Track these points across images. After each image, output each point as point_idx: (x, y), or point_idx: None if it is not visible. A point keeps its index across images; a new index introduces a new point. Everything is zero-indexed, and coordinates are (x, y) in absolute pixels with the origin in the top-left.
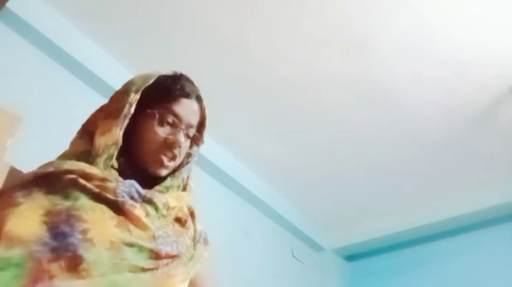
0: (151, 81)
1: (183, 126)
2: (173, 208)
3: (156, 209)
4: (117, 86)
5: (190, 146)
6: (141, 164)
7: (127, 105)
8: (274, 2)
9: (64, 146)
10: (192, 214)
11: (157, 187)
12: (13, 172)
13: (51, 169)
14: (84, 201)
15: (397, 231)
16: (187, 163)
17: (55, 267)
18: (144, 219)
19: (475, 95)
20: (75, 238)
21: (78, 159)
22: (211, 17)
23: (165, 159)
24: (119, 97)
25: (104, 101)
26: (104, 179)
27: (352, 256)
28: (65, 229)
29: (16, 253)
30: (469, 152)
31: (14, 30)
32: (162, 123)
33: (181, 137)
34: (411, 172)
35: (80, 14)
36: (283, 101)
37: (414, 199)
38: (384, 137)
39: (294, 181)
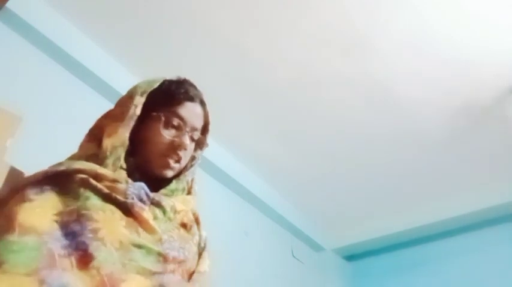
0: (156, 85)
1: (187, 129)
2: (179, 212)
3: (164, 212)
4: (117, 86)
5: (194, 150)
6: (147, 167)
7: (132, 107)
8: (274, 2)
9: (64, 146)
10: (197, 220)
11: (162, 190)
12: (13, 172)
13: (62, 168)
14: (94, 201)
15: (397, 231)
16: (191, 166)
17: (66, 262)
18: (152, 222)
19: (475, 95)
20: (86, 237)
21: (87, 161)
22: (211, 17)
23: (170, 161)
24: (125, 101)
25: (104, 101)
26: (114, 180)
27: (352, 256)
28: (76, 228)
29: (31, 239)
30: (469, 152)
31: (14, 30)
32: (167, 126)
33: (186, 140)
34: (411, 172)
35: (80, 14)
36: (283, 101)
37: (414, 199)
38: (384, 137)
39: (294, 181)
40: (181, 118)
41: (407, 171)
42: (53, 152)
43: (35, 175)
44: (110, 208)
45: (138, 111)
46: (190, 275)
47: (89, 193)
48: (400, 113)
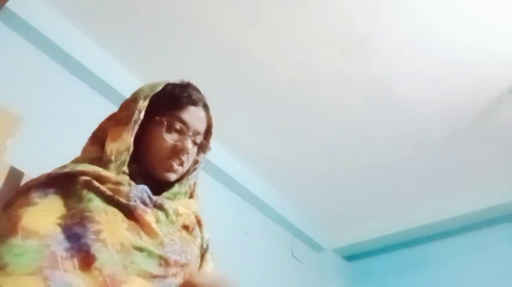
0: (159, 88)
1: (190, 133)
2: (181, 215)
3: (167, 215)
4: (117, 86)
5: (197, 153)
6: (150, 170)
7: (136, 112)
8: (274, 2)
9: (64, 146)
10: (199, 222)
11: (165, 194)
12: (13, 172)
13: (66, 170)
14: (97, 203)
15: (397, 231)
16: (194, 169)
17: (69, 264)
18: (154, 225)
19: (475, 95)
20: (88, 238)
21: (91, 164)
22: (211, 17)
23: (174, 164)
24: (128, 105)
25: (104, 101)
26: (117, 183)
27: (352, 256)
28: (78, 230)
29: (33, 242)
30: (469, 152)
31: (14, 30)
32: (170, 130)
33: (189, 144)
34: (411, 172)
35: (80, 14)
36: (283, 101)
37: (414, 199)
38: (384, 137)
39: (294, 181)
40: (183, 122)
41: (407, 171)
42: (53, 152)
43: (39, 178)
44: (112, 210)
45: (142, 115)
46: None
47: (91, 195)
48: (400, 113)
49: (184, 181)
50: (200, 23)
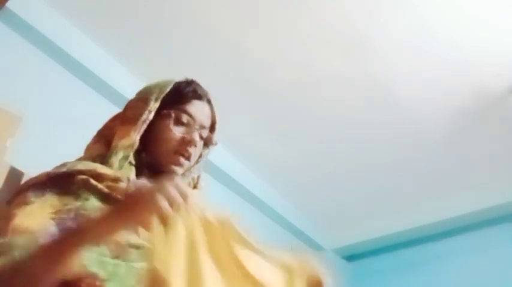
0: (169, 89)
1: (197, 127)
2: None
3: None
4: (117, 86)
5: (202, 147)
6: (156, 163)
7: (146, 112)
8: (274, 2)
9: (64, 146)
10: None
11: None
12: (13, 172)
13: (64, 170)
14: (93, 202)
15: (397, 231)
16: (197, 163)
17: None
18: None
19: (475, 95)
20: None
21: (94, 161)
22: (211, 17)
23: (181, 158)
24: (135, 104)
25: (104, 101)
26: (115, 179)
27: (352, 256)
28: (72, 226)
29: (21, 239)
30: (469, 152)
31: (14, 30)
32: (177, 123)
33: (196, 137)
34: (411, 172)
35: (80, 14)
36: (283, 101)
37: (414, 199)
38: (384, 137)
39: (294, 181)
40: (190, 115)
41: (407, 171)
42: (53, 152)
43: (38, 177)
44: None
45: (152, 116)
46: None
47: (88, 194)
48: (400, 113)
49: (187, 173)
50: (200, 23)
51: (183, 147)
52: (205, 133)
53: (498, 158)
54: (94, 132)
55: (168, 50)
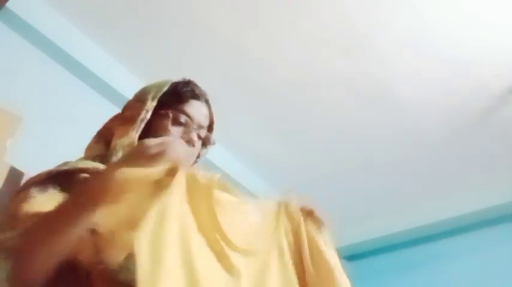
0: (166, 89)
1: (195, 127)
2: None
3: None
4: (117, 86)
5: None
6: None
7: (143, 112)
8: (274, 2)
9: (64, 146)
10: None
11: None
12: (13, 172)
13: (65, 168)
14: None
15: (397, 231)
16: (196, 162)
17: None
18: None
19: (475, 95)
20: None
21: (94, 161)
22: (211, 17)
23: None
24: (134, 105)
25: (104, 101)
26: None
27: (352, 256)
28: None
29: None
30: (469, 152)
31: (14, 30)
32: (175, 123)
33: (194, 136)
34: (411, 172)
35: (80, 14)
36: (283, 101)
37: (414, 199)
38: (384, 137)
39: (294, 180)
40: (188, 115)
41: (407, 171)
42: (53, 152)
43: (39, 175)
44: None
45: (149, 115)
46: None
47: None
48: (400, 113)
49: None
50: (200, 23)
51: None
52: (203, 133)
53: (498, 158)
54: (94, 133)
55: (168, 50)
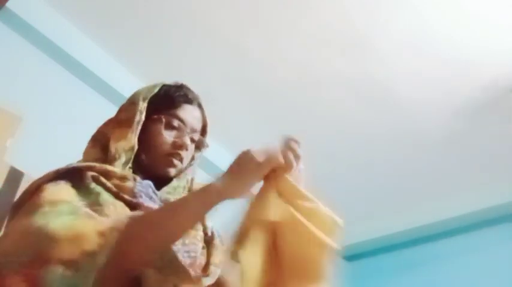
0: (157, 89)
1: (188, 130)
2: None
3: None
4: (117, 86)
5: (194, 150)
6: (150, 167)
7: (138, 113)
8: (274, 2)
9: (64, 146)
10: None
11: (165, 188)
12: (13, 172)
13: (73, 166)
14: (106, 197)
15: (397, 231)
16: (190, 165)
17: None
18: None
19: (475, 95)
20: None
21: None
22: (211, 17)
23: (174, 160)
24: (127, 108)
25: (104, 101)
26: (123, 177)
27: (352, 256)
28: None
29: (64, 206)
30: (469, 152)
31: (14, 30)
32: (168, 127)
33: (187, 140)
34: (411, 172)
35: (80, 14)
36: (283, 101)
37: (414, 199)
38: (384, 137)
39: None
40: (181, 120)
41: (407, 171)
42: (53, 152)
43: (46, 175)
44: (120, 204)
45: (143, 116)
46: (205, 269)
47: (100, 189)
48: (400, 113)
49: (182, 175)
50: (200, 23)
51: (174, 151)
52: (196, 136)
53: (498, 158)
54: (93, 133)
55: (168, 50)
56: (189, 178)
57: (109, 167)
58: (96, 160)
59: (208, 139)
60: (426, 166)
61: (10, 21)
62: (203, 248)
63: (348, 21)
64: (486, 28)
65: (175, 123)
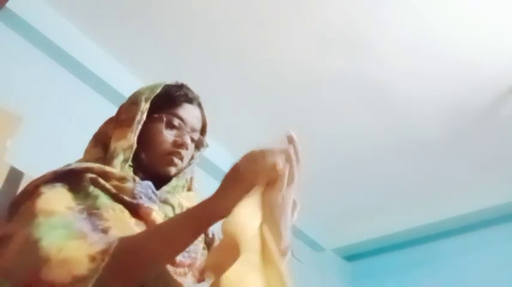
0: (159, 90)
1: (188, 130)
2: (185, 208)
3: (173, 209)
4: (117, 86)
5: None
6: (150, 166)
7: (139, 113)
8: (274, 2)
9: (64, 146)
10: None
11: (165, 187)
12: (13, 172)
13: (71, 167)
14: (104, 200)
15: (397, 231)
16: (190, 164)
17: None
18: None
19: (475, 95)
20: (97, 236)
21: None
22: (211, 17)
23: (174, 158)
24: (128, 107)
25: (104, 101)
26: (122, 179)
27: (352, 256)
28: (87, 226)
29: (57, 219)
30: (469, 152)
31: (14, 30)
32: (169, 126)
33: (188, 139)
34: (411, 172)
35: (80, 14)
36: (283, 101)
37: (414, 199)
38: (384, 137)
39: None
40: (181, 119)
41: (408, 171)
42: (53, 152)
43: (44, 176)
44: (119, 207)
45: (144, 117)
46: (203, 272)
47: (98, 192)
48: (400, 113)
49: (181, 174)
50: (200, 23)
51: (175, 150)
52: (196, 136)
53: (498, 158)
54: (94, 133)
55: (168, 50)
56: (188, 177)
57: (108, 169)
58: (96, 159)
59: (208, 139)
60: (426, 166)
61: (10, 21)
62: (204, 249)
63: (348, 21)
64: (486, 28)
65: (176, 122)
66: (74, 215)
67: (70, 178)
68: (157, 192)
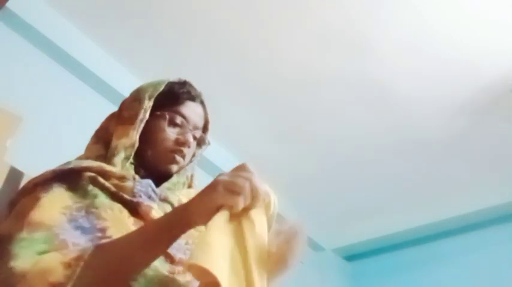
0: (162, 87)
1: (190, 127)
2: None
3: (172, 207)
4: (117, 86)
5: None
6: (152, 163)
7: (142, 111)
8: (275, 2)
9: (64, 146)
10: None
11: (165, 184)
12: (13, 172)
13: (70, 166)
14: (102, 199)
15: (397, 231)
16: (191, 162)
17: None
18: None
19: (475, 95)
20: (95, 236)
21: (96, 161)
22: (211, 17)
23: (176, 156)
24: (131, 104)
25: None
26: (121, 177)
27: (352, 256)
28: (84, 224)
29: (41, 234)
30: (469, 152)
31: (14, 30)
32: (171, 124)
33: (190, 137)
34: (411, 172)
35: (80, 14)
36: (283, 101)
37: (414, 199)
38: (384, 137)
39: (294, 180)
40: (184, 117)
41: (408, 171)
42: (53, 152)
43: (43, 174)
44: (118, 206)
45: (147, 114)
46: None
47: (97, 191)
48: (400, 113)
49: (181, 171)
50: (200, 23)
51: (177, 147)
52: (198, 133)
53: (498, 158)
54: (96, 128)
55: (168, 50)
56: (189, 174)
57: (107, 167)
58: (97, 157)
59: (209, 138)
60: (426, 166)
61: (10, 21)
62: None
63: (348, 21)
64: (486, 28)
65: (178, 120)
66: (62, 223)
67: (69, 177)
68: (157, 190)
